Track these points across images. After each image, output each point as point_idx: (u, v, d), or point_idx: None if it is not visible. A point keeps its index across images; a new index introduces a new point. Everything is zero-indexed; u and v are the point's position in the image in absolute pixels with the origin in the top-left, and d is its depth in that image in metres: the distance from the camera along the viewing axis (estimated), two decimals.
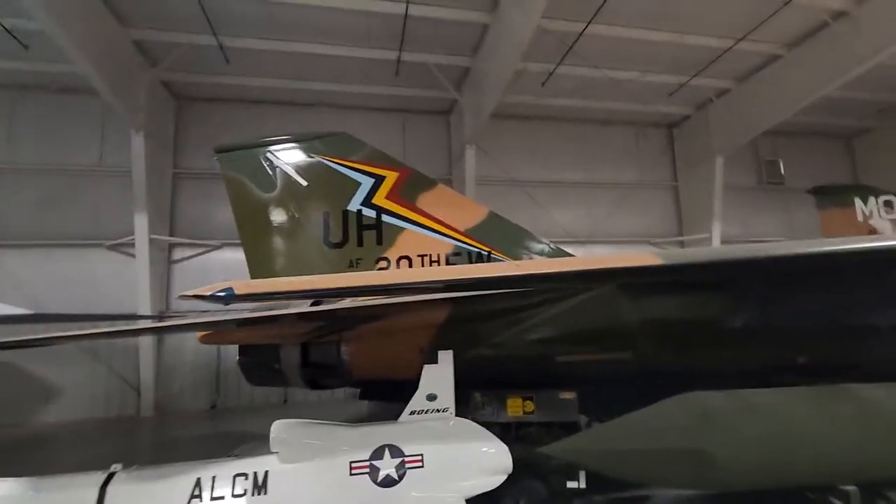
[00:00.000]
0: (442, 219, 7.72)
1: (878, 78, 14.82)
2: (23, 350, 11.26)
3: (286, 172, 7.93)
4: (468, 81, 13.40)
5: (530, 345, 6.14)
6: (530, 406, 5.73)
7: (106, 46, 10.24)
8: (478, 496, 4.20)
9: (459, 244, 7.54)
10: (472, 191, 13.22)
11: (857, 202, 14.37)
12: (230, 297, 2.88)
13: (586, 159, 16.31)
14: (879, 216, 14.36)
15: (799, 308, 4.81)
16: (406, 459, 3.91)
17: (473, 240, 7.66)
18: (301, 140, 8.03)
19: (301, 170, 7.94)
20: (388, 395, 6.84)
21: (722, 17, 11.86)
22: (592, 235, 15.52)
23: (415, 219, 7.68)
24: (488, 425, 5.55)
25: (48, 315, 6.33)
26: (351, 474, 3.79)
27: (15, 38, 10.93)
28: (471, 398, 5.81)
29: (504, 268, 5.28)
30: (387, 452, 3.91)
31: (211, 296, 2.85)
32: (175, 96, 13.79)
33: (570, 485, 5.33)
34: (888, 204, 14.44)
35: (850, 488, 4.01)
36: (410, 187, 7.77)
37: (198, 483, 3.60)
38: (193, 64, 12.42)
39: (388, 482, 3.80)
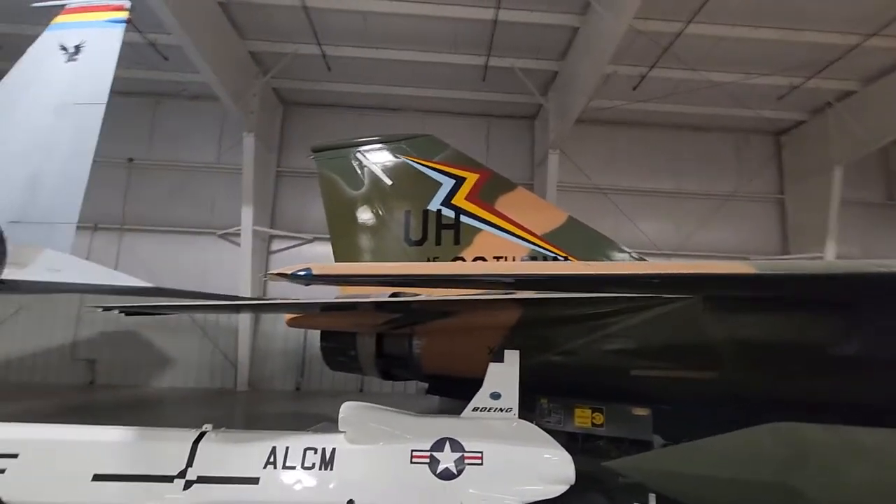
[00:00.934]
0: (520, 222, 7.73)
1: None
2: (144, 320, 13.02)
3: (373, 172, 8.40)
4: (555, 85, 13.24)
5: (604, 355, 5.97)
6: (599, 418, 5.55)
7: (227, 57, 11.55)
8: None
9: (536, 248, 7.50)
10: (553, 196, 13.00)
11: None
12: (309, 277, 3.15)
13: (676, 167, 15.34)
14: None
15: None
16: (466, 455, 3.99)
17: (550, 244, 7.58)
18: (388, 141, 8.47)
19: (387, 169, 8.36)
20: (456, 392, 6.98)
21: (848, 11, 10.60)
22: (680, 248, 14.53)
23: (492, 220, 7.77)
24: (553, 433, 5.47)
25: (167, 290, 7.24)
26: (412, 462, 3.95)
27: (157, 51, 12.66)
28: (537, 404, 5.76)
29: (577, 267, 5.19)
30: (447, 445, 4.01)
31: (292, 275, 3.14)
32: (282, 101, 15.14)
33: None
34: None
35: None
36: (490, 189, 7.88)
37: (273, 451, 3.96)
38: (299, 71, 13.56)
39: (447, 475, 3.90)
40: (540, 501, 4.07)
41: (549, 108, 13.29)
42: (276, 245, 14.69)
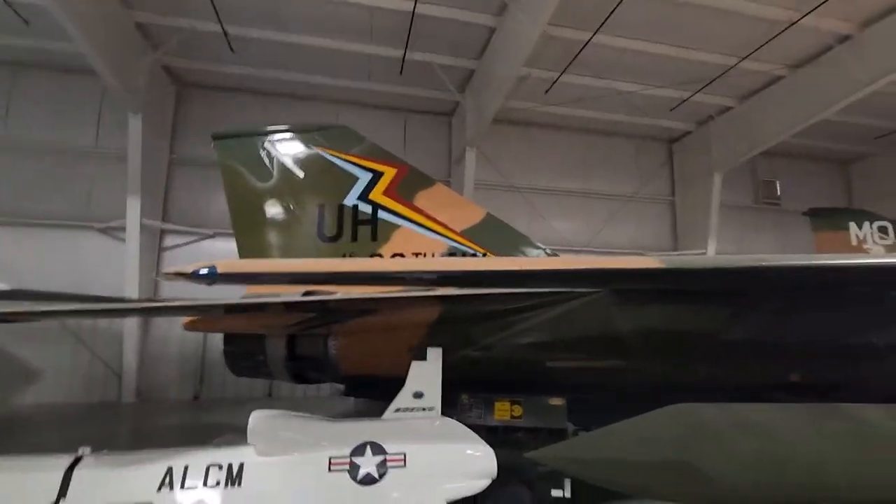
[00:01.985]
0: (438, 218, 7.65)
1: (876, 105, 14.96)
2: (2, 329, 11.07)
3: (283, 163, 7.84)
4: (472, 84, 13.38)
5: (522, 349, 6.07)
6: (518, 410, 5.61)
7: (106, 26, 10.11)
8: (460, 500, 4.10)
9: (455, 244, 7.47)
10: (470, 194, 13.15)
11: (853, 226, 14.48)
12: (213, 276, 2.77)
13: (586, 169, 16.31)
14: (874, 241, 14.46)
15: (797, 324, 4.74)
16: (388, 458, 3.80)
17: (469, 241, 7.59)
18: (300, 131, 7.95)
19: (299, 161, 7.85)
20: (375, 392, 6.73)
21: (727, 35, 11.90)
22: (589, 245, 15.48)
23: (411, 216, 7.61)
24: (475, 428, 5.45)
25: (28, 292, 6.14)
26: (330, 470, 3.68)
27: (16, 12, 10.77)
28: (458, 400, 5.71)
29: (499, 262, 5.21)
30: (368, 450, 3.80)
31: (193, 273, 2.74)
32: (176, 82, 13.66)
33: (555, 493, 5.23)
34: (882, 229, 14.54)
35: None
36: (409, 184, 7.71)
37: (169, 472, 3.47)
38: (196, 50, 12.32)
39: (368, 480, 3.69)
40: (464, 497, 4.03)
41: (467, 105, 13.42)
42: (169, 241, 13.19)
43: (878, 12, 11.09)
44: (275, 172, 7.84)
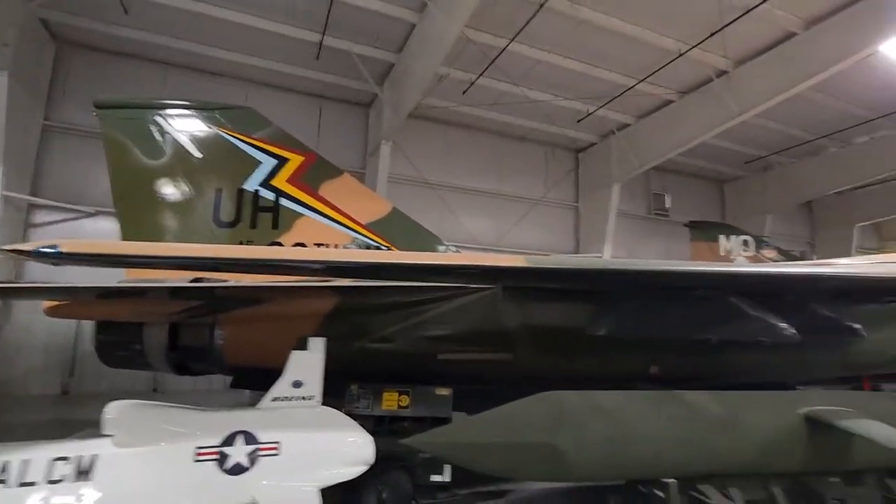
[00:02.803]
0: (344, 209, 7.59)
1: (747, 133, 17.22)
2: None
3: (178, 141, 7.32)
4: (391, 77, 13.35)
5: (416, 341, 6.23)
6: (406, 400, 5.78)
7: None
8: (342, 488, 4.16)
9: (359, 237, 7.46)
10: (383, 187, 13.15)
11: (721, 239, 16.53)
12: (55, 256, 2.55)
13: (499, 171, 16.97)
14: (738, 252, 16.62)
15: (652, 322, 5.37)
16: (260, 447, 3.77)
17: (374, 234, 7.62)
18: (200, 108, 7.46)
19: (196, 140, 7.37)
20: (265, 384, 6.53)
21: (627, 58, 13.00)
22: (497, 244, 16.14)
23: (315, 206, 7.47)
24: (362, 418, 5.54)
25: None
26: (195, 461, 3.57)
27: None
28: (346, 390, 5.75)
29: (376, 255, 5.33)
30: (240, 439, 3.74)
31: (34, 252, 2.51)
32: (56, 39, 12.11)
33: (435, 478, 5.48)
34: (745, 243, 16.75)
35: (670, 481, 4.53)
36: (314, 173, 7.55)
37: (4, 467, 3.16)
38: (82, 6, 11.04)
39: (237, 469, 3.64)
40: (344, 485, 4.10)
41: (384, 99, 13.37)
42: (41, 217, 11.70)
43: (750, 52, 12.72)
44: (167, 150, 7.30)
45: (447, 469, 5.32)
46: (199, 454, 3.60)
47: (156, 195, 7.15)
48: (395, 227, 7.76)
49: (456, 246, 8.92)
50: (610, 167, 16.85)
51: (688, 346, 5.75)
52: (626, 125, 16.39)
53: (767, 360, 6.45)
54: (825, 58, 11.18)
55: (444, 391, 5.95)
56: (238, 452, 3.68)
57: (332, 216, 7.51)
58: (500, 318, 6.15)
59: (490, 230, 16.37)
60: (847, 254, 20.05)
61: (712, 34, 11.49)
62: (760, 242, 16.82)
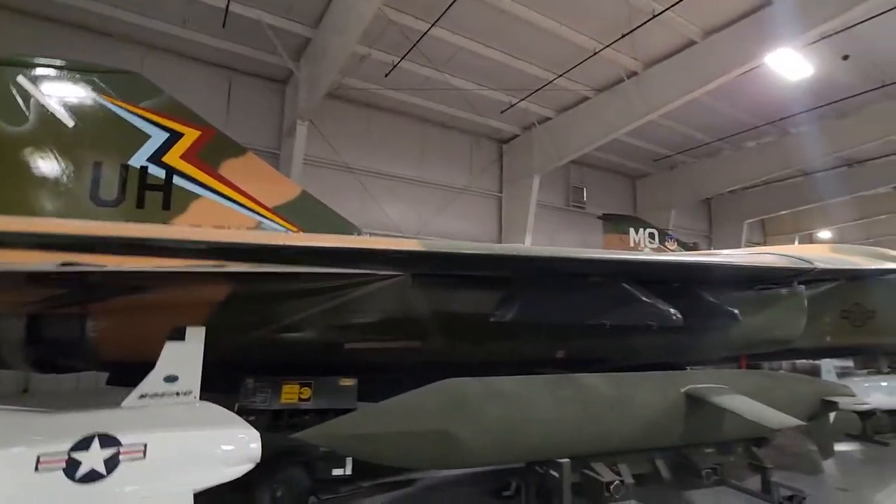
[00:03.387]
0: (248, 191, 7.03)
1: (656, 133, 18.42)
2: None
3: (46, 106, 6.36)
4: (308, 53, 12.65)
5: (321, 331, 5.94)
6: (307, 392, 5.50)
7: None
8: (232, 489, 3.84)
9: (264, 220, 6.96)
10: (299, 169, 12.51)
11: (631, 231, 17.62)
12: None
13: (423, 158, 16.82)
14: (645, 244, 17.82)
15: (555, 308, 5.50)
16: (122, 450, 3.35)
17: (280, 218, 7.15)
18: (75, 70, 6.49)
19: (70, 106, 6.45)
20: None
21: (547, 52, 13.31)
22: (419, 232, 16.04)
23: (215, 186, 6.84)
24: (260, 413, 5.20)
25: None
26: (37, 470, 3.10)
27: None
28: (242, 384, 5.37)
29: (262, 237, 5.02)
30: (96, 442, 3.30)
31: None
32: None
33: (337, 472, 5.28)
34: (651, 235, 17.99)
35: (564, 461, 4.68)
36: (214, 150, 6.90)
37: None
38: None
39: (91, 477, 3.21)
40: (233, 485, 3.79)
41: (300, 75, 12.66)
42: None
43: (657, 56, 13.51)
44: (31, 115, 6.33)
45: (349, 462, 5.14)
46: (43, 462, 3.13)
47: (18, 168, 6.20)
48: (305, 212, 7.34)
49: (372, 234, 8.67)
50: (531, 159, 17.30)
51: (588, 331, 5.96)
52: (548, 119, 16.87)
53: (661, 343, 6.89)
54: (719, 66, 12.16)
55: (348, 381, 5.73)
56: (93, 458, 3.25)
57: (235, 198, 6.93)
58: (409, 306, 6.00)
59: (412, 218, 16.22)
60: (738, 247, 22.31)
61: (623, 35, 12.05)
62: (664, 235, 18.17)
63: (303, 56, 12.75)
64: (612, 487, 4.69)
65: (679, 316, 5.85)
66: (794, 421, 4.74)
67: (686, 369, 7.70)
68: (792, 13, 10.57)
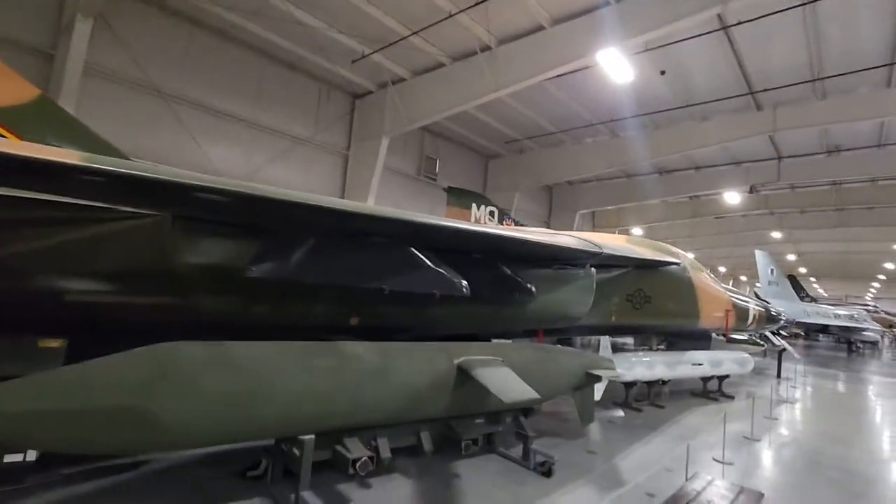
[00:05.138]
0: None
1: (507, 114, 18.94)
2: None
3: None
4: None
5: (32, 276, 4.50)
6: None
7: None
8: None
9: None
10: (75, 81, 9.82)
11: (473, 207, 18.02)
12: None
13: (259, 97, 14.84)
14: (485, 221, 18.41)
15: (325, 266, 4.85)
16: None
17: (2, 126, 5.32)
18: None
19: None
20: None
21: (402, 4, 12.46)
22: (246, 179, 14.21)
23: None
24: None
25: None
26: None
27: None
28: None
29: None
30: None
31: None
32: None
33: (11, 459, 4.06)
34: (492, 213, 18.65)
35: (308, 437, 4.15)
36: None
37: None
38: None
39: None
40: None
41: None
42: None
43: (510, 35, 13.57)
44: None
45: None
46: None
47: None
48: (38, 122, 5.58)
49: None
50: (382, 119, 16.49)
51: (374, 297, 5.49)
52: (403, 80, 16.14)
53: (460, 313, 6.77)
54: (561, 55, 12.65)
55: (52, 343, 4.46)
56: None
57: None
58: (163, 254, 4.86)
59: (240, 162, 14.28)
60: None
61: (477, 3, 11.75)
62: (503, 215, 18.98)
63: None
64: (358, 465, 4.31)
65: (467, 286, 5.66)
66: (529, 395, 4.84)
67: (490, 341, 7.84)
68: (621, 17, 11.32)
